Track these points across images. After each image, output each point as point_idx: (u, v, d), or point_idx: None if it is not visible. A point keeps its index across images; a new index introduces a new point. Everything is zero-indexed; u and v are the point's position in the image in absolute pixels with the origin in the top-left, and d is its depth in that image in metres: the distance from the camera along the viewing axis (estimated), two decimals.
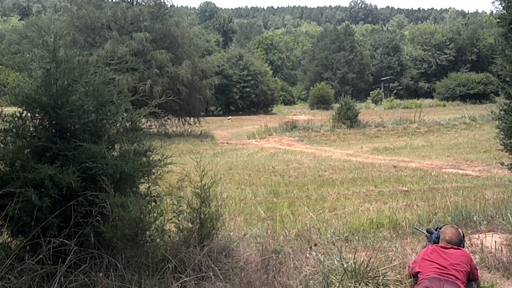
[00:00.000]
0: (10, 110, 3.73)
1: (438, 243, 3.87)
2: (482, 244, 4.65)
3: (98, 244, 3.47)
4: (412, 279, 3.78)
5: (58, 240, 3.32)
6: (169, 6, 28.48)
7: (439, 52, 65.30)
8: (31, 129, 3.72)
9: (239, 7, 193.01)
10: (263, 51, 69.24)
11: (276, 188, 9.68)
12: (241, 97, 45.11)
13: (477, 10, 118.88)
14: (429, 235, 4.30)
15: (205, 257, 3.79)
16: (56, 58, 3.67)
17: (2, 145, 3.59)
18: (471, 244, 4.76)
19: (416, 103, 42.39)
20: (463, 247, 3.89)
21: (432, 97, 54.42)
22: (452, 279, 3.48)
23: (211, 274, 3.64)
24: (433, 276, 3.52)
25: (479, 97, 46.57)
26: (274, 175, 11.65)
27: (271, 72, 52.42)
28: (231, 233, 4.79)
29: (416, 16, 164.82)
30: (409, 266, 3.89)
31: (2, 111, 3.65)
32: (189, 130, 27.30)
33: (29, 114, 3.72)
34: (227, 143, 22.23)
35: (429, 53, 65.79)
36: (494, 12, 7.91)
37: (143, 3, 27.52)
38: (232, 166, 13.68)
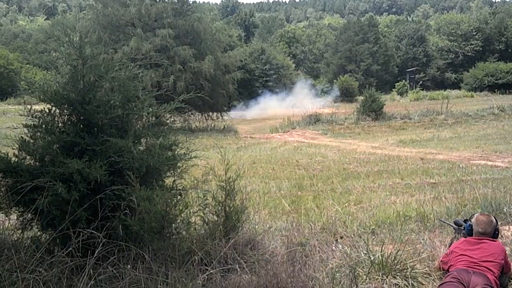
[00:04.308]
0: (38, 108, 3.82)
1: (471, 235, 3.78)
2: None
3: (126, 236, 3.52)
4: (441, 272, 3.71)
5: (86, 232, 3.38)
6: (191, 2, 28.66)
7: (465, 42, 63.68)
8: (59, 124, 3.80)
9: (261, 2, 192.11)
10: (286, 44, 68.95)
11: (300, 181, 9.63)
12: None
13: None
14: (456, 227, 4.21)
15: (231, 250, 3.80)
16: (83, 55, 3.73)
17: (32, 141, 3.68)
18: (502, 236, 4.63)
19: (443, 94, 41.45)
20: (498, 235, 3.79)
21: (459, 88, 53.21)
22: (481, 271, 3.41)
23: (237, 266, 3.65)
24: (462, 267, 3.46)
25: (508, 87, 45.34)
26: (298, 169, 11.59)
27: (293, 65, 52.22)
28: (256, 226, 4.79)
29: (441, 6, 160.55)
30: (440, 260, 3.82)
31: (31, 108, 3.74)
32: (212, 125, 27.44)
33: (57, 110, 3.80)
34: (250, 137, 22.25)
35: (456, 43, 64.25)
36: None
37: (166, 0, 27.74)
38: (255, 160, 13.68)
